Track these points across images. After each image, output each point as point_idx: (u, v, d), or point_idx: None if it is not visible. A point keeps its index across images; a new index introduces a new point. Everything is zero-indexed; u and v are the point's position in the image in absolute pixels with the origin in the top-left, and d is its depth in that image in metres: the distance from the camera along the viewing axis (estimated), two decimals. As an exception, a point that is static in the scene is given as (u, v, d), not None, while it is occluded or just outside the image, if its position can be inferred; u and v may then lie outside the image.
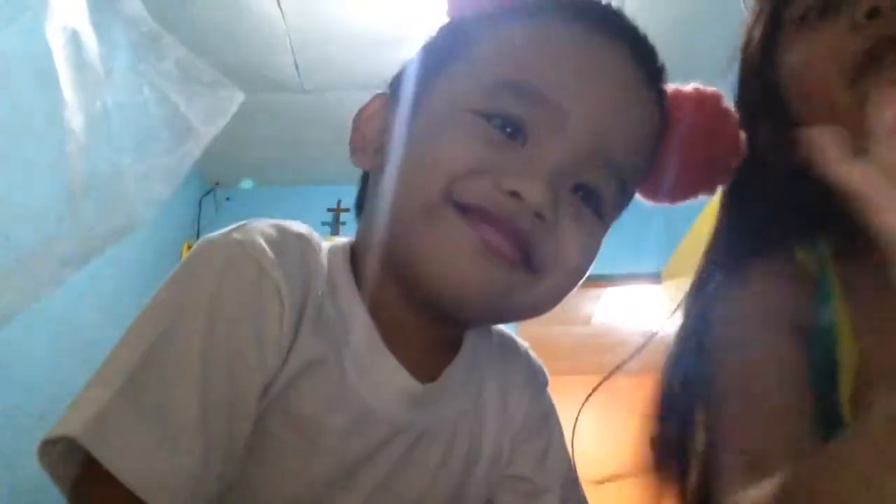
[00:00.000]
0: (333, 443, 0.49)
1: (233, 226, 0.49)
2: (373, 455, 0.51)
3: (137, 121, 1.33)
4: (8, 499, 1.90)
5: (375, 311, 0.52)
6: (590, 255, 0.51)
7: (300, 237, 0.51)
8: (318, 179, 3.22)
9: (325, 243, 0.54)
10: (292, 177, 3.31)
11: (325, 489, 0.49)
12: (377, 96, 0.57)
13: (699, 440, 0.57)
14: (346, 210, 3.00)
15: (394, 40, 2.40)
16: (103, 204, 1.20)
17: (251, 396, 0.44)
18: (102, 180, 1.23)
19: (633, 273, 3.14)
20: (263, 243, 0.47)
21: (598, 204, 0.51)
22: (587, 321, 4.13)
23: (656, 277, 3.14)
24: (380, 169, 0.53)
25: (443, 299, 0.48)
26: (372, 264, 0.52)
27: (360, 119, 0.57)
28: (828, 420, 0.50)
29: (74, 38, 1.21)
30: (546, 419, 0.62)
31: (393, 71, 0.59)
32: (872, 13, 0.51)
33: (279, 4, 2.43)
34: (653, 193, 0.59)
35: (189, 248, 3.18)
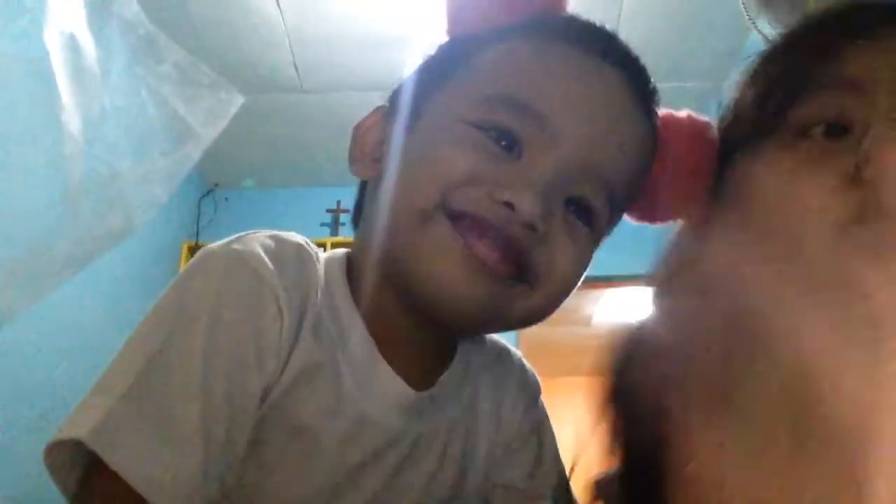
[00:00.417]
0: (331, 450, 0.50)
1: (232, 237, 0.50)
2: (370, 462, 0.52)
3: (136, 123, 1.33)
4: (8, 499, 1.90)
5: (371, 319, 0.53)
6: (581, 266, 0.53)
7: (298, 247, 0.53)
8: (318, 180, 3.22)
9: (323, 254, 0.56)
10: (292, 178, 3.31)
11: (323, 495, 0.50)
12: (377, 109, 0.59)
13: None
14: (346, 211, 3.00)
15: (393, 41, 2.39)
16: (101, 206, 1.20)
17: (251, 402, 0.46)
18: (100, 183, 1.23)
19: (634, 274, 3.13)
20: (262, 253, 0.48)
21: (589, 217, 0.52)
22: (587, 322, 4.13)
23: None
24: (378, 178, 0.55)
25: (437, 308, 0.50)
26: (368, 273, 0.54)
27: (359, 131, 0.59)
28: None
29: (72, 42, 1.21)
30: (539, 428, 0.63)
31: (393, 72, 0.61)
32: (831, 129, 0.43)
33: (278, 4, 2.43)
34: (638, 212, 0.60)
35: (188, 248, 3.19)
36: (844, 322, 0.34)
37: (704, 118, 0.58)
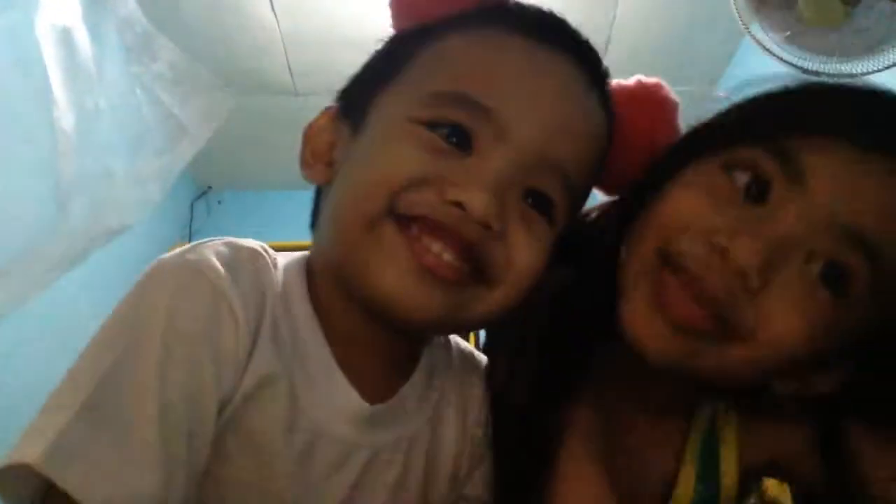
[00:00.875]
0: (287, 463, 0.48)
1: (185, 246, 0.48)
2: (329, 476, 0.50)
3: (129, 122, 1.32)
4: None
5: (329, 327, 0.52)
6: (541, 260, 0.51)
7: (253, 253, 0.51)
8: (310, 183, 3.22)
9: (282, 258, 0.54)
10: (285, 180, 3.30)
11: None
12: (326, 109, 0.57)
13: None
14: (339, 214, 3.00)
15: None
16: (94, 206, 1.19)
17: (209, 416, 0.44)
18: (93, 182, 1.22)
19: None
20: (216, 262, 0.46)
21: (547, 208, 0.51)
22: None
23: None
24: (329, 183, 0.53)
25: (392, 317, 0.48)
26: (324, 280, 0.52)
27: (309, 132, 0.57)
28: None
29: (66, 37, 1.20)
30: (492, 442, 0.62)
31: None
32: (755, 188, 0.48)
33: (273, 8, 2.43)
34: (600, 183, 0.59)
35: (181, 251, 3.17)
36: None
37: (653, 80, 0.58)
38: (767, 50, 1.49)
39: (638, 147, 0.57)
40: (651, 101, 0.58)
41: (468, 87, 0.48)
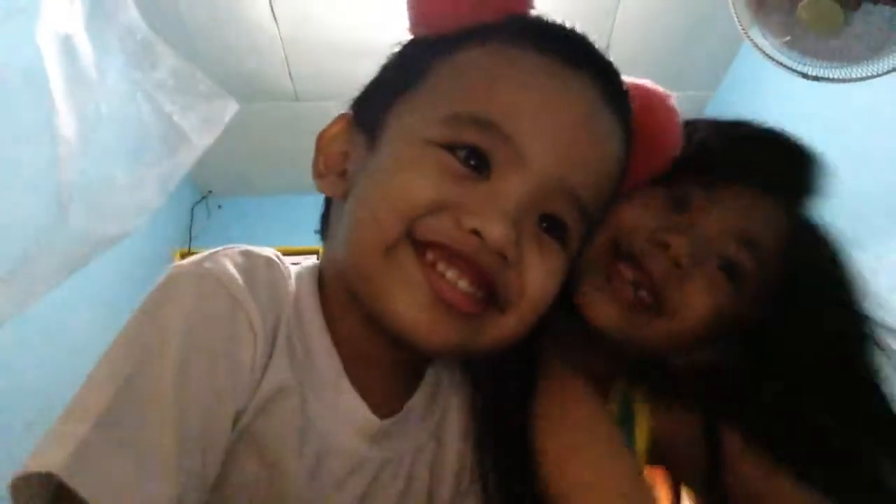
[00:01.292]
0: (299, 476, 0.48)
1: (202, 255, 0.48)
2: (337, 488, 0.50)
3: (130, 129, 1.32)
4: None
5: (339, 339, 0.51)
6: (554, 286, 0.50)
7: (270, 263, 0.50)
8: (311, 188, 3.20)
9: (294, 267, 0.53)
10: (285, 185, 3.30)
11: None
12: (340, 116, 0.56)
13: None
14: (340, 218, 2.99)
15: (388, 50, 2.39)
16: (94, 212, 1.19)
17: (224, 427, 0.44)
18: (93, 188, 1.22)
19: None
20: (234, 272, 0.46)
21: (562, 233, 0.50)
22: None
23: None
24: (343, 196, 0.52)
25: (407, 342, 0.48)
26: (335, 292, 0.52)
27: (322, 140, 0.56)
28: None
29: (67, 44, 1.20)
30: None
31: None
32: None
33: (273, 14, 2.43)
34: None
35: (181, 255, 3.17)
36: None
37: (661, 90, 0.60)
38: (767, 54, 1.49)
39: (650, 153, 0.57)
40: (659, 109, 0.58)
41: (488, 110, 0.47)
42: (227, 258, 0.47)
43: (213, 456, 0.43)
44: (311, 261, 0.56)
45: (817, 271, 0.65)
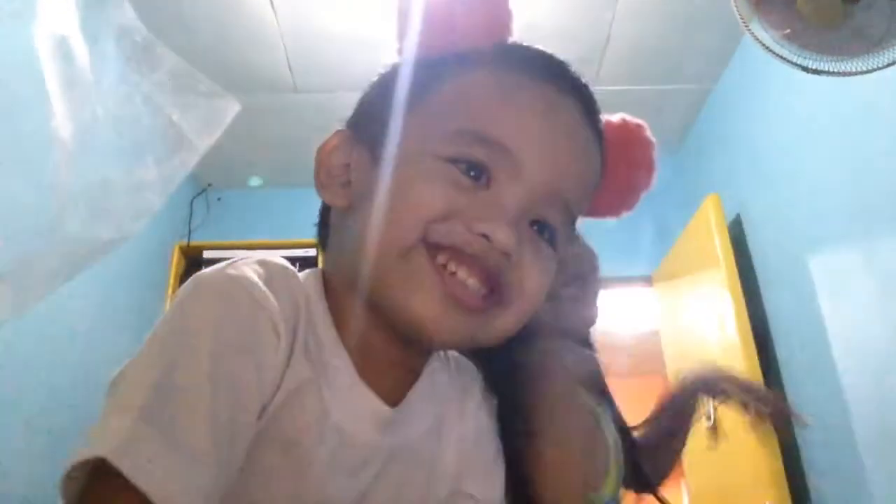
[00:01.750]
0: (316, 464, 0.51)
1: (223, 263, 0.52)
2: (352, 474, 0.54)
3: (128, 131, 1.31)
4: (-3, 504, 1.89)
5: (349, 339, 0.56)
6: (546, 283, 0.57)
7: (285, 269, 0.55)
8: (311, 181, 3.20)
9: (300, 273, 0.58)
10: (285, 178, 3.30)
11: None
12: (337, 132, 0.61)
13: None
14: (339, 211, 2.99)
15: (387, 41, 2.39)
16: (92, 215, 1.19)
17: (251, 421, 0.47)
18: (92, 191, 1.21)
19: (625, 276, 3.15)
20: (255, 277, 0.50)
21: (551, 235, 0.57)
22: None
23: (647, 280, 3.15)
24: (349, 205, 0.57)
25: (420, 337, 0.54)
26: (347, 297, 0.56)
27: (321, 153, 0.60)
28: None
29: (63, 46, 1.19)
30: (495, 437, 0.67)
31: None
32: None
33: (272, 5, 2.42)
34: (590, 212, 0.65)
35: (180, 249, 3.16)
36: None
37: (636, 121, 0.65)
38: (767, 48, 1.49)
39: (617, 179, 0.64)
40: (636, 139, 0.65)
41: (490, 128, 0.54)
42: (247, 265, 0.52)
43: (240, 447, 0.46)
44: (312, 269, 0.60)
45: None
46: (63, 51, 1.18)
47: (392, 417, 0.56)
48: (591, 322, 1.02)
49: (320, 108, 2.83)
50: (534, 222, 0.56)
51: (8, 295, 1.08)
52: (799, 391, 2.22)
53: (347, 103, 0.64)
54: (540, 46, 0.61)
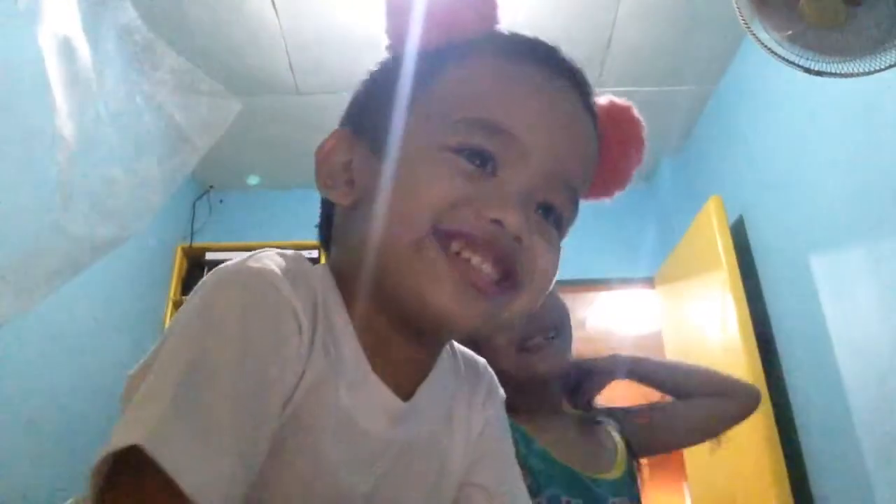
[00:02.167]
0: (334, 457, 0.52)
1: (243, 257, 0.52)
2: (367, 466, 0.54)
3: (130, 130, 1.32)
4: (-2, 503, 1.89)
5: (362, 333, 0.56)
6: (556, 265, 0.58)
7: (302, 262, 0.55)
8: (312, 182, 3.21)
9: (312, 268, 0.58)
10: (286, 180, 3.30)
11: (323, 500, 0.52)
12: (335, 132, 0.61)
13: None
14: (341, 213, 2.99)
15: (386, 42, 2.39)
16: (94, 214, 1.19)
17: (275, 413, 0.48)
18: (94, 190, 1.22)
19: (627, 278, 3.14)
20: (277, 270, 0.51)
21: (556, 218, 0.58)
22: (581, 325, 4.14)
23: (649, 282, 3.15)
24: (354, 203, 0.58)
25: (439, 326, 0.54)
26: (360, 292, 0.56)
27: (320, 155, 0.61)
28: None
29: (66, 45, 1.19)
30: (503, 432, 0.69)
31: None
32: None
33: (274, 7, 2.43)
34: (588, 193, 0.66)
35: (182, 250, 3.16)
36: None
37: (623, 101, 0.66)
38: (769, 49, 1.48)
39: (609, 159, 0.64)
40: (625, 119, 0.65)
41: (493, 116, 0.55)
42: (268, 258, 0.52)
43: (265, 439, 0.47)
44: (320, 265, 0.60)
45: None
46: (66, 51, 1.18)
47: (405, 411, 0.57)
48: (565, 369, 1.08)
49: (322, 110, 2.83)
50: (539, 206, 0.57)
51: (9, 294, 1.09)
52: (801, 393, 2.21)
53: (349, 105, 0.64)
54: (527, 32, 0.61)
